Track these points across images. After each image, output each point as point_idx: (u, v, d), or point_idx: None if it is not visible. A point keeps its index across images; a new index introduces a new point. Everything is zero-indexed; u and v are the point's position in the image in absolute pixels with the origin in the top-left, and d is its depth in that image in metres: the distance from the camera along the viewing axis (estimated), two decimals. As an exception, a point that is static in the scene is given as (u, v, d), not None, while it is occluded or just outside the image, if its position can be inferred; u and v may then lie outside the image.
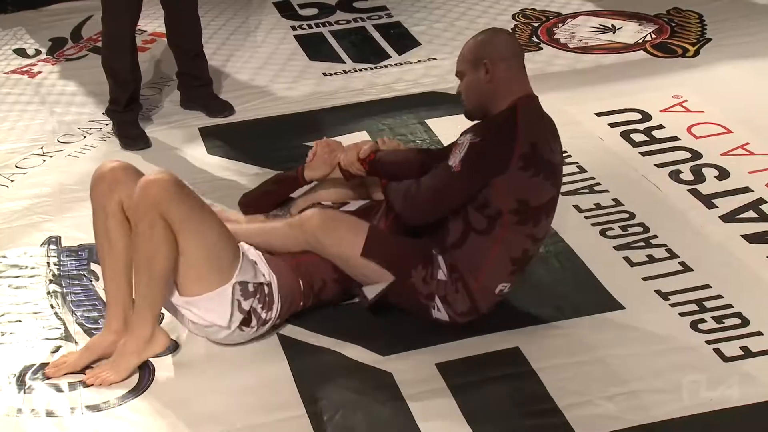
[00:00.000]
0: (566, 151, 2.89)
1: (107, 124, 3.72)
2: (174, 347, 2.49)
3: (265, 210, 2.74)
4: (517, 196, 2.33)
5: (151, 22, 4.58)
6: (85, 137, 3.66)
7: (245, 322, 2.43)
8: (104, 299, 2.63)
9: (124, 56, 3.54)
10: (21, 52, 4.43)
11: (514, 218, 2.35)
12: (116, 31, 3.53)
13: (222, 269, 2.37)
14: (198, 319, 2.41)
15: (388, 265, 2.42)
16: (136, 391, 2.36)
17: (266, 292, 2.45)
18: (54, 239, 3.00)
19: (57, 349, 2.51)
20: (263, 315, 2.45)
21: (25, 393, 2.37)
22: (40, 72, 4.24)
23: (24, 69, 4.25)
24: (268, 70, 4.16)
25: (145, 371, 2.42)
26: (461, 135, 2.38)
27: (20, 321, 2.63)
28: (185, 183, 2.38)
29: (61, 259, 2.89)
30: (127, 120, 3.60)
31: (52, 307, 2.68)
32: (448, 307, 2.43)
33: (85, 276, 2.80)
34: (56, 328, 2.60)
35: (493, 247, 2.38)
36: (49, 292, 2.73)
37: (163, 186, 2.30)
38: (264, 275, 2.46)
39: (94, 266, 2.84)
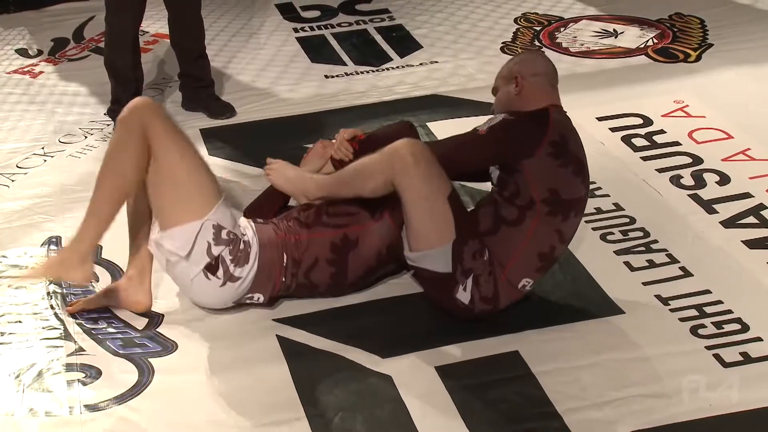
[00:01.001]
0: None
1: (109, 125, 3.72)
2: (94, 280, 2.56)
3: (267, 216, 2.74)
4: (548, 184, 2.38)
5: (154, 23, 4.59)
6: (86, 138, 3.67)
7: (211, 268, 2.44)
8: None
9: (126, 55, 3.54)
10: (23, 53, 4.43)
11: (546, 208, 2.39)
12: (119, 30, 3.53)
13: (198, 201, 2.40)
14: (169, 254, 2.43)
15: (460, 221, 2.40)
16: (135, 390, 2.37)
17: (241, 248, 2.45)
18: (54, 239, 3.00)
19: (57, 348, 2.51)
20: (232, 269, 2.44)
21: (23, 393, 2.37)
22: (41, 72, 4.24)
23: (26, 69, 4.25)
24: (269, 71, 4.16)
25: (144, 371, 2.42)
26: (496, 115, 2.47)
27: (20, 321, 2.63)
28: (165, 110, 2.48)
29: (62, 259, 2.89)
30: None
31: (51, 307, 2.68)
32: (476, 288, 2.44)
33: (85, 276, 2.80)
34: (56, 328, 2.60)
35: (524, 240, 2.41)
36: (48, 293, 2.73)
37: (148, 103, 2.43)
38: (245, 234, 2.48)
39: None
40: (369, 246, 2.57)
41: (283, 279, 2.53)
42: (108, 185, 2.42)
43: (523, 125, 2.41)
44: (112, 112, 3.64)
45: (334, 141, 2.76)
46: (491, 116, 2.49)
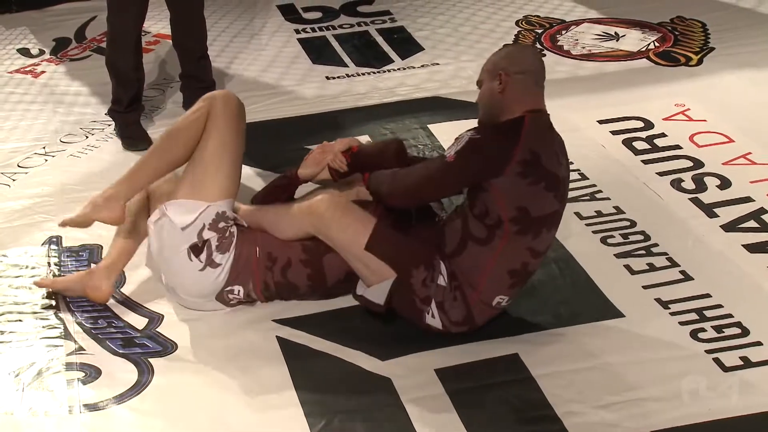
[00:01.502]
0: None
1: (110, 125, 3.73)
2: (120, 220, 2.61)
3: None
4: (516, 203, 2.33)
5: (156, 23, 4.59)
6: (87, 137, 3.67)
7: (196, 249, 2.51)
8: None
9: (127, 56, 3.54)
10: (25, 52, 4.43)
11: (514, 227, 2.34)
12: (121, 30, 3.53)
13: (215, 187, 2.54)
14: (169, 221, 2.52)
15: (390, 260, 2.42)
16: (134, 390, 2.37)
17: (226, 236, 2.54)
18: (55, 239, 3.00)
19: (57, 347, 2.51)
20: (215, 255, 2.53)
21: (23, 392, 2.37)
22: (43, 72, 4.24)
23: (27, 69, 4.26)
24: (271, 72, 4.16)
25: (144, 371, 2.42)
26: (463, 133, 2.40)
27: (20, 320, 2.63)
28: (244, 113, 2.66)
29: (62, 259, 2.89)
30: (130, 120, 3.60)
31: (52, 307, 2.68)
32: (443, 314, 2.43)
33: (85, 276, 2.80)
34: (56, 327, 2.60)
35: (492, 258, 2.37)
36: (49, 292, 2.73)
37: (233, 100, 2.64)
38: (229, 227, 2.56)
39: (94, 267, 2.84)
40: None
41: (261, 273, 2.56)
42: (157, 156, 2.62)
43: (491, 145, 2.32)
44: (113, 113, 3.65)
45: (332, 143, 2.75)
46: (460, 135, 2.39)
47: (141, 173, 2.62)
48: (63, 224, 2.65)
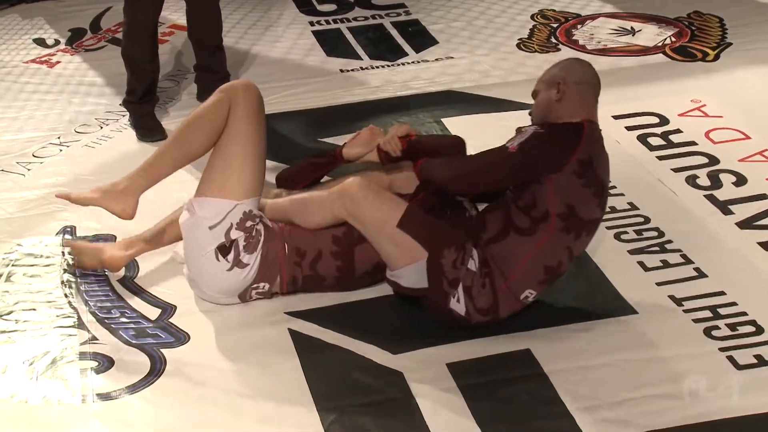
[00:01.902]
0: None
1: (124, 115, 3.74)
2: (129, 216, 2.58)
3: (298, 186, 2.76)
4: (567, 200, 2.36)
5: (171, 14, 4.59)
6: (101, 128, 3.68)
7: (223, 249, 2.50)
8: (117, 290, 2.70)
9: (143, 46, 3.54)
10: (40, 42, 4.45)
11: (561, 223, 2.36)
12: (138, 22, 3.52)
13: (241, 185, 2.50)
14: (197, 219, 2.50)
15: (422, 239, 2.41)
16: (147, 380, 2.38)
17: (253, 235, 2.51)
18: (69, 229, 3.01)
19: (71, 336, 2.52)
20: (242, 255, 2.51)
21: (37, 380, 2.39)
22: (58, 62, 4.25)
23: (43, 59, 4.27)
24: (285, 64, 4.16)
25: (157, 361, 2.43)
26: (525, 126, 2.44)
27: (34, 309, 2.65)
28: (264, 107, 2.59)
29: (76, 248, 2.90)
30: (144, 112, 3.61)
31: (65, 296, 2.69)
32: (469, 300, 2.42)
33: (99, 266, 2.81)
34: (69, 316, 2.61)
35: (532, 250, 2.39)
36: (63, 282, 2.75)
37: (254, 92, 2.57)
38: (257, 225, 2.53)
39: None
40: None
41: (289, 269, 2.55)
42: (176, 147, 2.57)
43: (553, 140, 2.38)
44: (128, 103, 3.65)
45: (380, 129, 2.75)
46: (522, 128, 2.45)
47: (159, 165, 2.57)
48: (62, 195, 2.63)
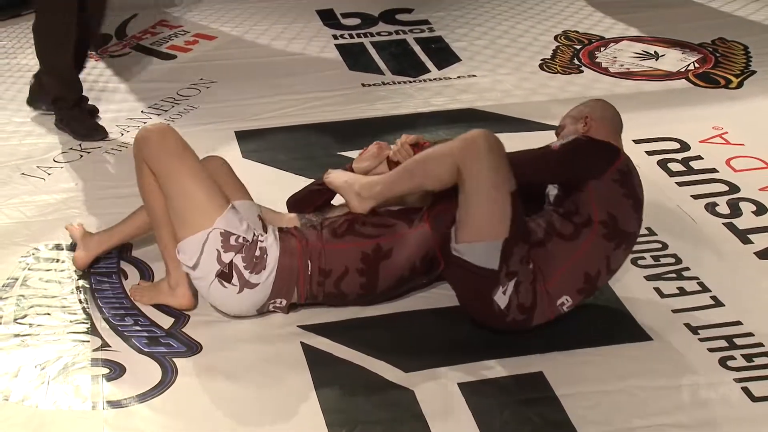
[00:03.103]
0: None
1: (145, 122, 3.75)
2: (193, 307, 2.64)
3: (308, 209, 2.75)
4: (608, 208, 2.41)
5: (198, 20, 4.62)
6: (122, 134, 3.70)
7: (224, 275, 2.46)
8: (131, 298, 2.71)
9: (69, 52, 3.49)
10: (65, 47, 4.48)
11: (603, 230, 2.42)
12: (61, 26, 3.44)
13: (200, 215, 2.46)
14: (183, 267, 2.52)
15: (517, 222, 2.38)
16: (158, 389, 2.38)
17: (256, 254, 2.46)
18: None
19: (84, 342, 2.53)
20: (247, 275, 2.46)
21: (48, 385, 2.39)
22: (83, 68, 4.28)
23: (68, 63, 4.29)
24: (307, 77, 4.17)
25: (168, 370, 2.43)
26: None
27: (48, 314, 2.66)
28: (173, 133, 2.54)
29: (92, 254, 2.91)
30: (78, 114, 3.63)
31: (80, 302, 2.70)
32: (515, 294, 2.41)
33: (114, 273, 2.82)
34: (83, 322, 2.62)
35: (575, 255, 2.43)
36: (78, 287, 2.76)
37: (147, 133, 2.53)
38: (263, 240, 2.48)
39: (123, 264, 2.86)
40: (402, 256, 2.54)
41: (308, 287, 2.53)
42: (152, 217, 2.62)
43: (596, 147, 2.46)
44: (60, 110, 3.62)
45: (392, 145, 2.75)
46: (563, 134, 2.55)
47: (159, 244, 2.63)
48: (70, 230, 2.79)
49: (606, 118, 2.59)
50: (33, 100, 3.80)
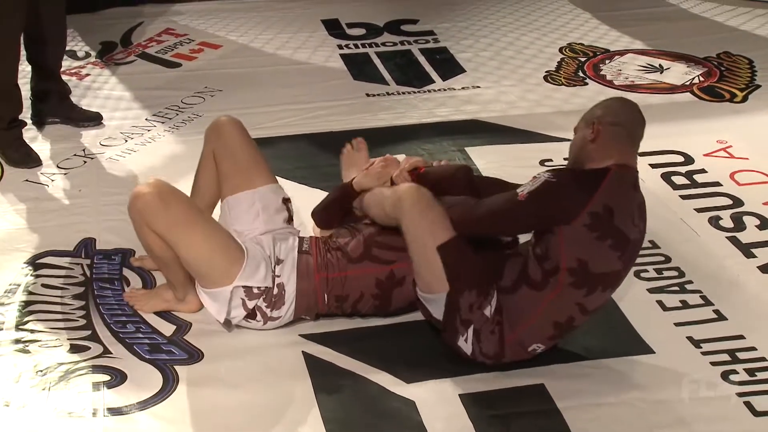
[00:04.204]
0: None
1: (149, 130, 3.76)
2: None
3: (332, 224, 2.75)
4: (578, 254, 2.26)
5: (201, 27, 4.63)
6: (126, 141, 3.70)
7: (250, 316, 2.54)
8: (129, 305, 2.70)
9: (12, 64, 3.37)
10: (71, 54, 4.48)
11: (570, 278, 2.28)
12: (1, 36, 3.29)
13: (220, 272, 2.48)
14: (207, 306, 2.55)
15: (449, 272, 2.36)
16: (159, 397, 2.37)
17: (275, 293, 2.52)
18: (89, 241, 3.02)
19: (85, 349, 2.53)
20: (269, 313, 2.54)
21: (49, 392, 2.39)
22: (88, 75, 4.29)
23: (73, 71, 4.31)
24: (311, 86, 4.18)
25: (169, 378, 2.43)
26: (543, 171, 2.35)
27: (50, 320, 2.65)
28: (173, 191, 2.48)
29: (95, 261, 2.91)
30: (13, 137, 3.46)
31: (81, 308, 2.70)
32: (476, 342, 2.40)
33: (116, 280, 2.82)
34: (84, 329, 2.61)
35: (540, 306, 2.34)
36: (80, 294, 2.75)
37: (146, 200, 2.44)
38: (280, 276, 2.52)
39: (126, 271, 2.86)
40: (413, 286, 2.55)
41: (326, 309, 2.59)
42: (154, 258, 2.60)
43: (564, 192, 2.27)
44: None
45: (395, 157, 2.74)
46: (537, 175, 2.34)
47: (169, 276, 2.61)
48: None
49: (619, 124, 2.33)
50: (36, 115, 3.74)
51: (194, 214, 2.50)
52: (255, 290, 2.51)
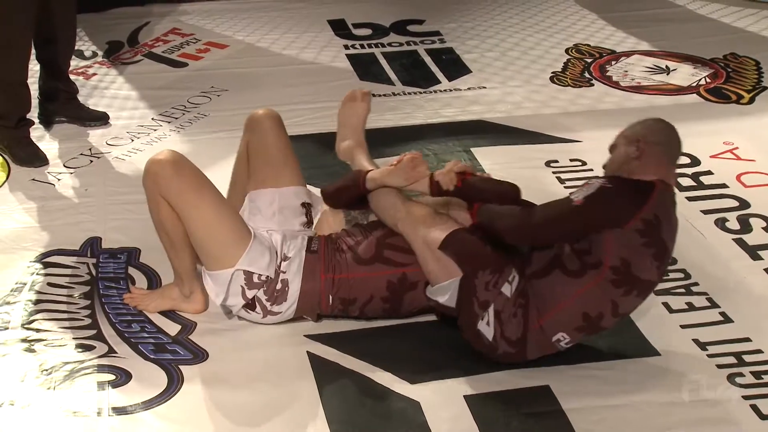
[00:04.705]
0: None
1: (155, 129, 3.77)
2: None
3: (340, 207, 2.73)
4: (623, 254, 2.30)
5: (205, 34, 4.63)
6: (132, 141, 3.71)
7: (249, 306, 2.53)
8: (131, 305, 2.70)
9: (21, 61, 3.35)
10: (78, 54, 4.49)
11: (611, 275, 2.31)
12: (14, 36, 3.30)
13: (224, 251, 2.48)
14: (208, 290, 2.54)
15: (460, 258, 2.39)
16: (163, 396, 2.37)
17: (278, 287, 2.50)
18: (94, 240, 3.03)
19: (90, 348, 2.53)
20: (269, 307, 2.52)
21: (54, 391, 2.39)
22: (95, 74, 4.30)
23: (80, 70, 4.32)
24: (317, 86, 4.18)
25: (174, 378, 2.43)
26: (593, 178, 2.39)
27: (56, 319, 2.66)
28: (187, 163, 2.50)
29: (100, 260, 2.91)
30: (20, 136, 3.48)
31: (87, 307, 2.70)
32: (498, 324, 2.39)
33: (122, 279, 2.82)
34: (90, 328, 2.62)
35: (575, 292, 2.34)
36: (85, 293, 2.76)
37: (161, 164, 2.45)
38: (285, 272, 2.50)
39: (132, 270, 2.86)
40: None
41: (330, 312, 2.58)
42: (164, 240, 2.58)
43: (620, 196, 2.32)
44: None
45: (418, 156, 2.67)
46: (590, 180, 2.39)
47: (176, 263, 2.59)
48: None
49: (661, 144, 2.40)
50: (43, 114, 3.75)
51: (206, 184, 2.50)
52: (256, 278, 2.49)
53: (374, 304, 2.55)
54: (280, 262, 2.53)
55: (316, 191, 2.89)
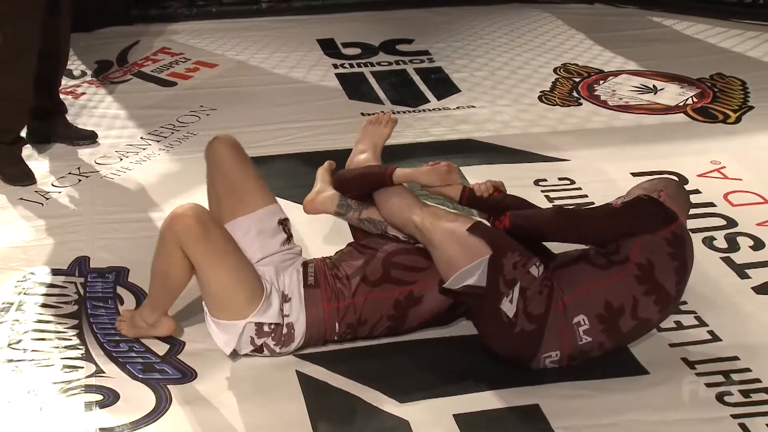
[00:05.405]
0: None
1: (144, 149, 3.76)
2: (179, 333, 2.63)
3: (348, 193, 2.79)
4: (650, 256, 2.42)
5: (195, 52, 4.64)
6: (121, 160, 3.70)
7: (257, 350, 2.53)
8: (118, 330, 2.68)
9: (26, 72, 3.34)
10: (67, 73, 4.47)
11: (637, 271, 2.42)
12: (26, 51, 3.29)
13: (237, 306, 2.47)
14: (214, 336, 2.52)
15: (489, 239, 2.47)
16: (151, 417, 2.36)
17: (284, 332, 2.51)
18: (82, 260, 3.01)
19: (78, 368, 2.52)
20: (277, 349, 2.53)
21: (41, 411, 2.37)
22: (83, 93, 4.30)
23: (69, 89, 4.31)
24: (306, 105, 4.19)
25: (162, 398, 2.41)
26: (633, 189, 2.64)
27: (43, 339, 2.64)
28: (214, 223, 2.48)
29: (89, 280, 2.90)
30: (13, 153, 3.47)
31: (75, 327, 2.69)
32: (522, 300, 2.41)
33: (110, 299, 2.81)
34: (77, 348, 2.60)
35: (599, 280, 2.44)
36: (73, 312, 2.74)
37: (188, 225, 2.42)
38: (289, 315, 2.51)
39: (120, 289, 2.85)
40: (431, 304, 2.57)
41: (339, 338, 2.58)
42: (158, 278, 2.56)
43: (656, 206, 2.50)
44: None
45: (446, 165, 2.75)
46: (628, 191, 2.61)
47: (158, 298, 2.57)
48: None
49: (679, 197, 2.60)
50: (31, 133, 3.73)
51: (231, 245, 2.49)
52: (266, 328, 2.49)
53: (381, 324, 2.57)
54: (282, 304, 2.52)
55: (299, 207, 2.90)
